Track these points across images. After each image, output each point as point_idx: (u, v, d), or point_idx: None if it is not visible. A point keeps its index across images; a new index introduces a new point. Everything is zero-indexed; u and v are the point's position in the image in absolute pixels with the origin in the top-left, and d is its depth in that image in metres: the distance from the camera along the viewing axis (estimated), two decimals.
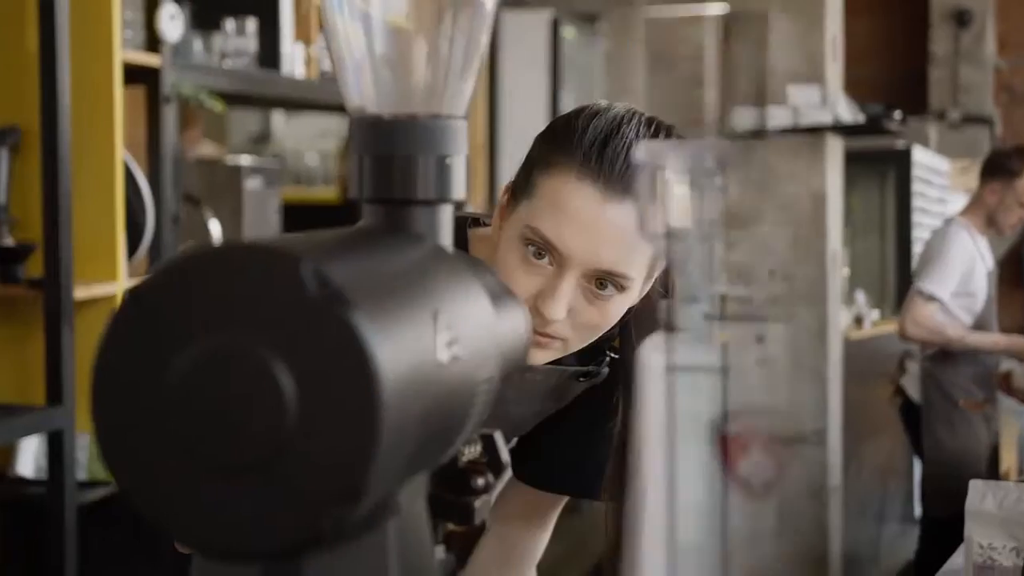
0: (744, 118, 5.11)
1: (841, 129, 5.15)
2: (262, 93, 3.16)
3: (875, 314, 6.29)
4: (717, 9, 5.28)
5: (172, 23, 2.68)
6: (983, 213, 4.40)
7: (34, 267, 2.43)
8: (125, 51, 2.58)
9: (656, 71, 5.36)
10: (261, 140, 5.62)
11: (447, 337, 0.72)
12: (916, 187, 7.10)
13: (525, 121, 5.09)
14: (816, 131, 5.05)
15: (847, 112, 5.35)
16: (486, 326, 0.79)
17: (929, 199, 7.36)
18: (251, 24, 3.05)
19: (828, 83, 5.31)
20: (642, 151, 0.74)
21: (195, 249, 0.66)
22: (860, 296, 6.30)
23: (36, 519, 2.45)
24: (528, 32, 5.57)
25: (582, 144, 1.25)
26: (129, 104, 2.65)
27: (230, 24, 3.05)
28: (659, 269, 1.32)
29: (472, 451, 0.91)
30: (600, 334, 1.31)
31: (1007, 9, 9.62)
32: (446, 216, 0.85)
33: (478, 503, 0.90)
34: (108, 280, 2.52)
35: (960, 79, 9.15)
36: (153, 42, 2.70)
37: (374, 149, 0.83)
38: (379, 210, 0.84)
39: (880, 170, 6.90)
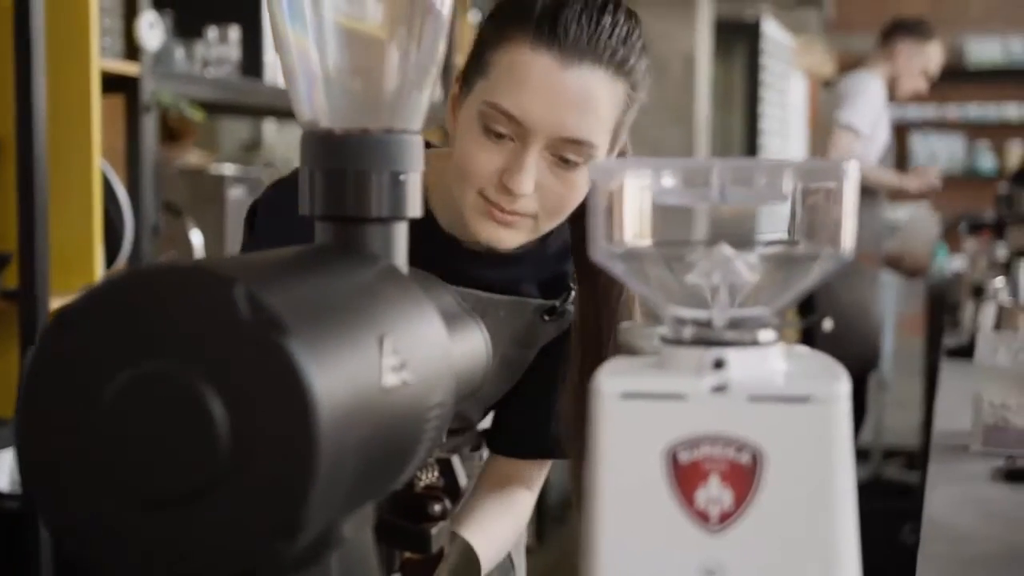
0: None
1: None
2: (244, 102, 3.13)
3: None
4: None
5: (152, 31, 2.65)
6: (886, 74, 4.50)
7: (9, 278, 2.40)
8: (103, 59, 2.55)
9: None
10: (252, 148, 5.59)
11: (394, 362, 0.69)
12: (763, 60, 7.10)
13: None
14: None
15: None
16: (439, 349, 0.77)
17: (774, 74, 7.37)
18: (234, 32, 3.02)
19: None
20: (597, 170, 0.71)
21: (126, 270, 0.63)
22: None
23: (12, 532, 2.42)
24: None
25: (534, 12, 1.23)
26: (108, 113, 2.62)
27: (212, 32, 3.03)
28: (622, 140, 1.31)
29: (428, 476, 0.89)
30: (568, 211, 1.28)
31: None
32: (400, 233, 0.83)
33: (435, 530, 0.87)
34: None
35: None
36: (133, 50, 2.67)
37: (325, 164, 0.81)
38: (331, 228, 0.82)
39: (729, 40, 6.86)
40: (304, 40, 0.81)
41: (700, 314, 0.71)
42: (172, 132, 3.46)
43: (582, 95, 1.22)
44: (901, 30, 4.55)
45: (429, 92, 0.85)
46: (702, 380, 0.68)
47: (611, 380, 0.68)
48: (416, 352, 0.72)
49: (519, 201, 1.24)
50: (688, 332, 0.70)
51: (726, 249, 0.71)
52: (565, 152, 1.23)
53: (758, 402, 0.67)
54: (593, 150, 1.24)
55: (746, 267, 0.71)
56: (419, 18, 0.83)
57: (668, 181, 0.71)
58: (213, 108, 3.24)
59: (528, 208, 1.26)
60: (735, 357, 0.68)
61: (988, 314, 3.07)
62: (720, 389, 0.67)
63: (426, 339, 0.75)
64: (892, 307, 6.26)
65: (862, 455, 5.74)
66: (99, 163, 2.50)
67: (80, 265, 2.47)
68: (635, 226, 0.72)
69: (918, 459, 5.23)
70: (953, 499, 1.69)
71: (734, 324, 0.70)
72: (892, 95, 4.54)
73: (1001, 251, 4.22)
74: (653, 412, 0.68)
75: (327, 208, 0.81)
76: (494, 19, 1.27)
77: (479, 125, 1.25)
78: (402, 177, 0.81)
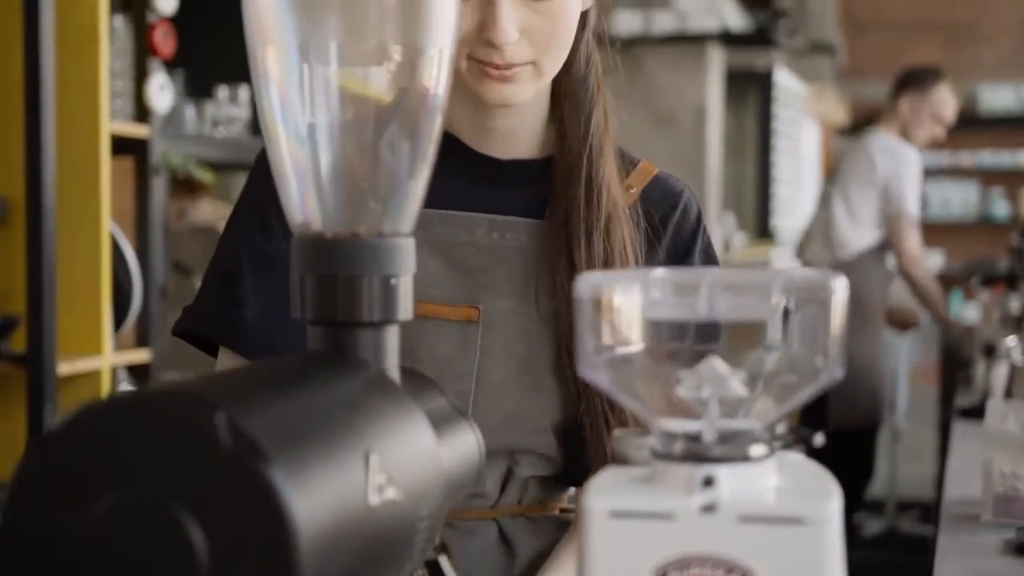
0: (626, 21, 5.07)
1: (730, 38, 5.15)
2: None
3: (741, 237, 6.30)
4: None
5: (162, 94, 2.66)
6: (897, 127, 4.49)
7: (17, 341, 2.40)
8: (114, 122, 2.57)
9: None
10: None
11: (381, 479, 0.69)
12: (775, 109, 7.13)
13: None
14: (700, 39, 5.05)
15: (734, 17, 5.32)
16: (428, 460, 0.76)
17: (786, 122, 7.40)
18: (244, 92, 3.04)
19: None
20: (586, 284, 0.71)
21: (108, 396, 0.63)
22: (730, 218, 6.28)
23: None
24: None
25: None
26: (118, 174, 2.63)
27: (223, 91, 3.04)
28: None
29: None
30: (565, 43, 1.23)
31: None
32: (392, 337, 0.82)
33: None
34: (93, 354, 2.49)
35: (805, 5, 9.22)
36: (143, 112, 2.68)
37: (316, 269, 0.80)
38: (322, 332, 0.81)
39: (741, 89, 6.88)
40: (296, 144, 0.81)
41: (690, 426, 0.70)
42: (187, 184, 3.48)
43: None
44: (903, 83, 4.58)
45: (421, 195, 0.85)
46: (691, 499, 0.67)
47: (600, 498, 0.67)
48: (404, 466, 0.71)
49: (508, 51, 1.20)
50: (678, 447, 0.69)
51: (716, 362, 0.71)
52: None
53: (748, 523, 0.66)
54: None
55: (737, 381, 0.70)
56: (411, 115, 0.83)
57: (656, 294, 0.70)
58: (223, 166, 3.26)
59: (521, 56, 1.21)
60: (725, 474, 0.67)
61: (1000, 374, 3.05)
62: (710, 508, 0.66)
63: (414, 451, 0.74)
64: (906, 356, 6.24)
65: (876, 507, 5.70)
66: (108, 226, 2.50)
67: (88, 328, 2.47)
68: (623, 338, 0.71)
69: (933, 512, 5.18)
70: (963, 574, 1.67)
71: (724, 438, 0.69)
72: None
73: (1015, 303, 4.20)
74: (642, 531, 0.67)
75: (318, 313, 0.81)
76: None
77: None
78: (393, 281, 0.81)
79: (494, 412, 1.22)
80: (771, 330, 0.71)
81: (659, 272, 0.73)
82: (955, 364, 4.74)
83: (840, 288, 0.68)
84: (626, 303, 0.70)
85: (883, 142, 4.58)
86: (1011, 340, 3.20)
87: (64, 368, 2.42)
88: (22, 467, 0.61)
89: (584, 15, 1.29)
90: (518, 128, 1.30)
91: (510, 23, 1.18)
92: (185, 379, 0.66)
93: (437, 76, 0.83)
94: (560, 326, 1.22)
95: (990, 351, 3.32)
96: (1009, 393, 3.00)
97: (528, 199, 1.29)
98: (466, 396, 1.22)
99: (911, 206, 4.35)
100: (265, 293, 1.26)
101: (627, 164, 1.34)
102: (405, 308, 0.82)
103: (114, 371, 2.62)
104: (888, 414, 6.21)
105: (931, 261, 10.11)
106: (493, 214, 1.28)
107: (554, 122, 1.31)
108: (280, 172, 0.82)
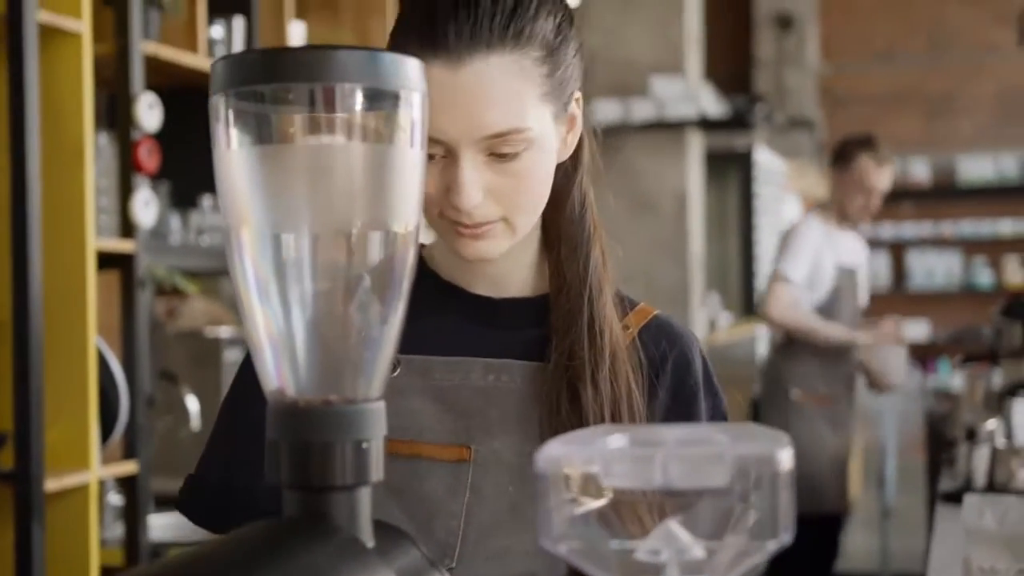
0: (605, 110, 5.12)
1: (708, 124, 5.20)
2: None
3: (726, 317, 6.32)
4: None
5: (146, 209, 2.71)
6: (836, 206, 4.48)
7: (4, 459, 2.42)
8: (100, 238, 2.61)
9: None
10: None
11: None
12: (756, 188, 7.19)
13: None
14: (679, 126, 5.10)
15: (712, 104, 5.37)
16: None
17: (767, 199, 7.46)
18: None
19: (689, 74, 5.33)
20: (546, 460, 0.74)
21: None
22: (714, 299, 6.30)
23: None
24: None
25: (414, 22, 1.18)
26: (104, 288, 2.67)
27: (207, 200, 3.09)
28: (569, 95, 1.24)
29: None
30: (538, 200, 1.21)
31: (829, 15, 9.90)
32: (364, 498, 0.85)
33: None
34: (81, 469, 2.51)
35: (784, 83, 9.33)
36: (128, 227, 2.73)
37: (290, 436, 0.84)
38: (296, 497, 0.84)
39: (721, 170, 6.94)
40: (269, 315, 0.85)
41: None
42: (176, 286, 3.51)
43: (484, 88, 1.16)
44: (831, 159, 4.60)
45: (390, 356, 0.88)
46: None
47: None
48: None
49: (475, 213, 1.19)
50: None
51: (674, 526, 0.74)
52: (497, 148, 1.17)
53: None
54: (524, 132, 1.17)
55: (695, 544, 0.73)
56: (381, 287, 0.87)
57: (614, 465, 0.74)
58: (209, 273, 3.30)
59: (490, 215, 1.20)
60: None
61: (982, 457, 3.07)
62: None
63: None
64: (894, 430, 6.27)
65: None
66: (94, 342, 2.54)
67: (76, 444, 2.49)
68: (582, 506, 0.75)
69: None
70: None
71: None
72: (850, 221, 4.50)
73: (998, 379, 4.22)
74: None
75: (292, 478, 0.84)
76: (389, 45, 1.22)
77: None
78: (364, 445, 0.84)
79: (482, 550, 1.24)
80: (725, 499, 0.74)
81: (615, 442, 0.76)
82: (939, 441, 4.76)
83: (785, 460, 0.72)
84: (585, 475, 0.74)
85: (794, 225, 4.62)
86: (991, 423, 3.23)
87: (52, 484, 2.43)
88: None
89: (577, 155, 1.29)
90: (510, 269, 1.30)
91: (474, 188, 1.17)
92: (160, 561, 0.69)
93: (405, 249, 0.87)
94: None
95: (971, 435, 3.35)
96: (991, 477, 3.02)
97: (524, 340, 1.29)
98: (455, 534, 1.23)
99: (785, 266, 4.29)
100: (239, 466, 1.25)
101: (625, 304, 1.33)
102: (376, 470, 0.85)
103: (102, 484, 2.64)
104: (877, 489, 6.23)
105: (916, 330, 10.20)
106: (488, 356, 1.27)
107: (549, 260, 1.31)
108: (254, 341, 0.86)
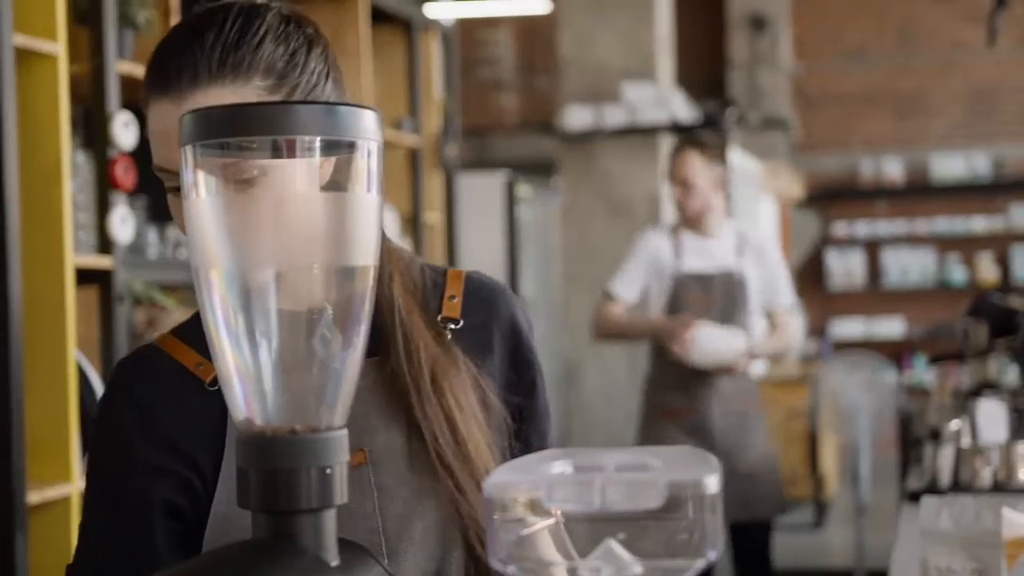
0: (578, 116, 5.12)
1: (680, 128, 5.19)
2: None
3: None
4: None
5: (123, 225, 2.76)
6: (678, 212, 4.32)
7: None
8: (78, 255, 2.66)
9: (613, 222, 5.50)
10: None
11: None
12: (730, 189, 7.26)
13: None
14: (652, 131, 5.09)
15: (683, 109, 5.39)
16: None
17: (743, 200, 7.54)
18: None
19: (660, 80, 5.37)
20: (493, 486, 0.80)
21: None
22: None
23: None
24: (484, 193, 5.71)
25: (152, 65, 1.24)
26: (82, 304, 2.72)
27: None
28: None
29: None
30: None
31: (802, 15, 10.02)
32: (329, 519, 0.91)
33: None
34: (62, 482, 2.56)
35: (757, 83, 9.43)
36: (106, 243, 2.78)
37: (259, 464, 0.90)
38: (265, 520, 0.90)
39: None
40: (236, 351, 0.91)
41: None
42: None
43: None
44: None
45: (354, 381, 0.94)
46: None
47: None
48: None
49: None
50: None
51: (614, 545, 0.80)
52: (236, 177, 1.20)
53: None
54: (300, 140, 1.23)
55: (633, 561, 0.79)
56: (342, 320, 0.93)
57: (557, 492, 0.80)
58: (187, 287, 3.35)
59: None
60: None
61: (947, 456, 3.13)
62: None
63: None
64: (867, 428, 6.34)
65: None
66: (74, 356, 2.59)
67: (56, 456, 2.54)
68: (526, 528, 0.81)
69: None
70: None
71: None
72: (688, 222, 4.28)
73: (967, 378, 4.30)
74: None
75: (261, 503, 0.90)
76: (142, 91, 1.28)
77: (168, 193, 1.26)
78: (328, 471, 0.90)
79: (405, 539, 1.28)
80: (659, 520, 0.80)
81: (557, 468, 0.82)
82: (912, 437, 4.83)
83: (713, 483, 0.78)
84: (529, 500, 0.80)
85: None
86: (955, 423, 3.29)
87: (33, 497, 2.48)
88: None
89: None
90: None
91: None
92: None
93: (364, 284, 0.93)
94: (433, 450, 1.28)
95: (936, 434, 3.42)
96: (955, 476, 3.09)
97: None
98: (377, 532, 1.27)
99: (612, 284, 4.16)
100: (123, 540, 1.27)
101: (438, 276, 1.37)
102: (341, 493, 0.91)
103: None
104: (852, 485, 6.31)
105: (891, 327, 10.30)
106: None
107: None
108: (224, 375, 0.92)
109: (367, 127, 0.91)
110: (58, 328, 2.56)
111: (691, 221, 4.21)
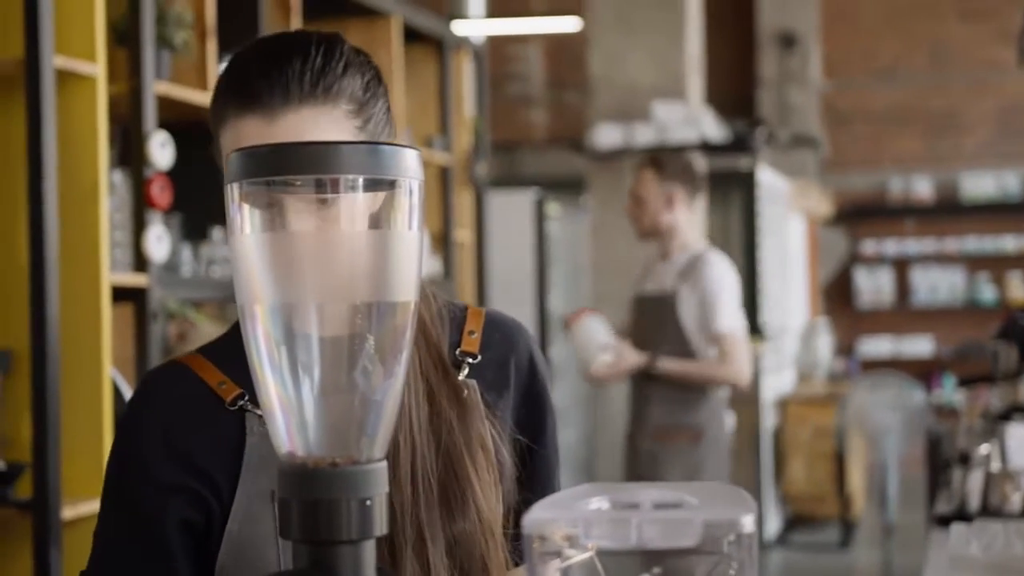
0: (607, 135, 5.11)
1: (709, 147, 5.18)
2: None
3: None
4: None
5: (159, 244, 2.79)
6: None
7: (23, 488, 2.50)
8: (114, 273, 2.69)
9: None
10: None
11: None
12: (760, 207, 7.25)
13: (512, 298, 5.23)
14: (681, 150, 5.08)
15: (713, 128, 5.38)
16: None
17: (771, 218, 7.52)
18: None
19: (690, 99, 5.37)
20: (533, 524, 0.82)
21: None
22: None
23: None
24: (513, 211, 5.73)
25: (232, 84, 1.26)
26: (117, 321, 2.75)
27: (217, 232, 3.17)
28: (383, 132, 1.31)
29: None
30: None
31: (832, 32, 9.98)
32: (369, 551, 0.93)
33: None
34: (97, 498, 2.58)
35: (787, 101, 9.39)
36: (141, 262, 2.81)
37: (301, 495, 0.91)
38: (306, 550, 0.92)
39: (724, 190, 6.97)
40: (280, 386, 0.93)
41: None
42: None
43: (300, 137, 1.23)
44: None
45: (395, 414, 0.96)
46: None
47: None
48: None
49: None
50: None
51: None
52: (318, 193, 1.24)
53: None
54: (344, 179, 1.27)
55: None
56: (384, 353, 0.95)
57: (594, 529, 0.81)
58: (220, 303, 3.38)
59: None
60: None
61: (976, 480, 3.12)
62: None
63: None
64: (894, 448, 6.32)
65: None
66: (109, 373, 2.62)
67: (92, 473, 2.57)
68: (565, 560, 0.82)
69: None
70: None
71: None
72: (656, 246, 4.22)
73: (996, 400, 4.27)
74: None
75: (302, 533, 0.92)
76: (212, 104, 1.30)
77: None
78: (368, 502, 0.92)
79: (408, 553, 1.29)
80: (695, 557, 0.82)
81: (594, 504, 0.84)
82: (939, 458, 4.81)
83: (749, 523, 0.79)
84: (567, 536, 0.82)
85: None
86: (985, 447, 3.28)
87: (68, 512, 2.51)
88: None
89: None
90: None
91: None
92: None
93: (404, 319, 0.95)
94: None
95: (965, 458, 3.40)
96: (984, 501, 3.08)
97: None
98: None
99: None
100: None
101: (458, 312, 1.39)
102: (380, 524, 0.93)
103: None
104: (879, 505, 6.28)
105: (920, 346, 10.26)
106: None
107: None
108: (268, 409, 0.94)
109: (409, 166, 0.93)
110: (94, 345, 2.59)
111: (644, 238, 4.21)
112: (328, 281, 0.92)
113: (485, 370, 1.36)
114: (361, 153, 0.91)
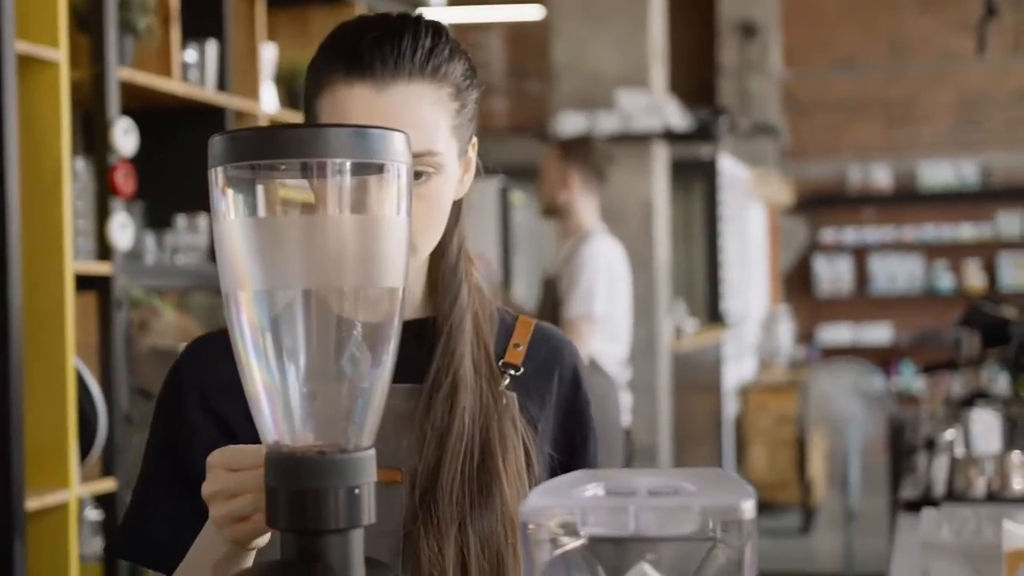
0: (571, 123, 5.14)
1: (672, 136, 5.22)
2: (214, 286, 3.23)
3: (692, 324, 6.41)
4: None
5: (123, 231, 2.76)
6: None
7: None
8: (77, 261, 2.65)
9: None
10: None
11: None
12: (720, 196, 7.31)
13: None
14: (645, 138, 5.10)
15: (676, 117, 5.42)
16: None
17: (732, 206, 7.58)
18: (202, 220, 3.14)
19: (654, 87, 5.39)
20: (529, 511, 0.80)
21: None
22: (680, 306, 6.40)
23: None
24: (478, 200, 5.70)
25: (341, 52, 1.26)
26: (81, 309, 2.71)
27: (182, 220, 3.14)
28: (470, 135, 1.32)
29: None
30: (440, 225, 1.28)
31: (793, 23, 10.04)
32: (357, 539, 0.91)
33: None
34: (61, 488, 2.56)
35: (748, 90, 9.44)
36: (105, 250, 2.77)
37: (288, 484, 0.90)
38: (293, 539, 0.90)
39: (686, 179, 7.02)
40: (266, 374, 0.91)
41: None
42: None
43: (405, 111, 1.24)
44: None
45: (382, 401, 0.94)
46: None
47: None
48: None
49: None
50: None
51: (647, 568, 0.81)
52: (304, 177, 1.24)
53: None
54: (437, 157, 1.26)
55: None
56: (370, 340, 0.93)
57: (591, 516, 0.80)
58: (184, 292, 3.35)
59: None
60: None
61: (941, 466, 3.14)
62: None
63: None
64: (857, 436, 6.36)
65: None
66: (73, 362, 2.58)
67: (55, 463, 2.54)
68: (560, 548, 0.81)
69: None
70: None
71: None
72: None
73: (958, 386, 4.30)
74: None
75: (290, 522, 0.90)
76: (311, 72, 1.30)
77: None
78: (356, 491, 0.90)
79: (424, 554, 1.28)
80: (692, 544, 0.81)
81: (590, 492, 0.83)
82: (901, 444, 4.83)
83: (748, 509, 0.78)
84: (563, 523, 0.80)
85: None
86: (950, 433, 3.30)
87: (32, 503, 2.48)
88: None
89: (458, 206, 1.35)
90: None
91: None
92: None
93: (392, 305, 0.93)
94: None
95: (930, 444, 3.42)
96: (950, 486, 3.10)
97: (403, 361, 1.26)
98: (397, 554, 1.27)
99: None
100: (175, 510, 1.28)
101: (509, 320, 1.40)
102: (368, 513, 0.91)
103: (81, 502, 2.68)
104: (841, 491, 6.32)
105: (879, 333, 10.34)
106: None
107: (427, 292, 1.36)
108: (253, 398, 0.92)
109: (397, 150, 0.91)
110: (57, 334, 2.55)
111: (545, 216, 4.25)
112: (314, 267, 0.91)
113: (528, 382, 1.36)
114: (348, 136, 0.89)
